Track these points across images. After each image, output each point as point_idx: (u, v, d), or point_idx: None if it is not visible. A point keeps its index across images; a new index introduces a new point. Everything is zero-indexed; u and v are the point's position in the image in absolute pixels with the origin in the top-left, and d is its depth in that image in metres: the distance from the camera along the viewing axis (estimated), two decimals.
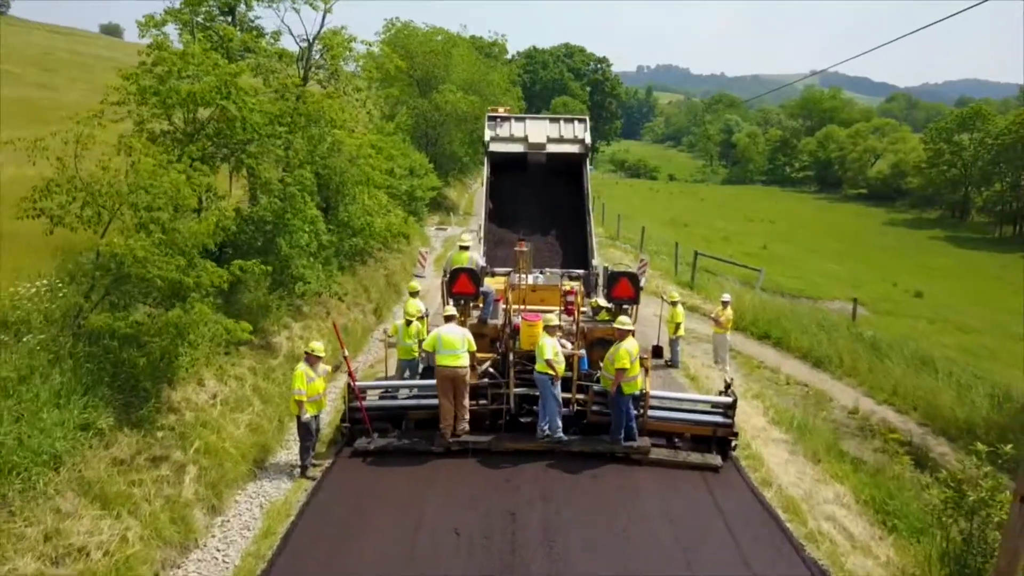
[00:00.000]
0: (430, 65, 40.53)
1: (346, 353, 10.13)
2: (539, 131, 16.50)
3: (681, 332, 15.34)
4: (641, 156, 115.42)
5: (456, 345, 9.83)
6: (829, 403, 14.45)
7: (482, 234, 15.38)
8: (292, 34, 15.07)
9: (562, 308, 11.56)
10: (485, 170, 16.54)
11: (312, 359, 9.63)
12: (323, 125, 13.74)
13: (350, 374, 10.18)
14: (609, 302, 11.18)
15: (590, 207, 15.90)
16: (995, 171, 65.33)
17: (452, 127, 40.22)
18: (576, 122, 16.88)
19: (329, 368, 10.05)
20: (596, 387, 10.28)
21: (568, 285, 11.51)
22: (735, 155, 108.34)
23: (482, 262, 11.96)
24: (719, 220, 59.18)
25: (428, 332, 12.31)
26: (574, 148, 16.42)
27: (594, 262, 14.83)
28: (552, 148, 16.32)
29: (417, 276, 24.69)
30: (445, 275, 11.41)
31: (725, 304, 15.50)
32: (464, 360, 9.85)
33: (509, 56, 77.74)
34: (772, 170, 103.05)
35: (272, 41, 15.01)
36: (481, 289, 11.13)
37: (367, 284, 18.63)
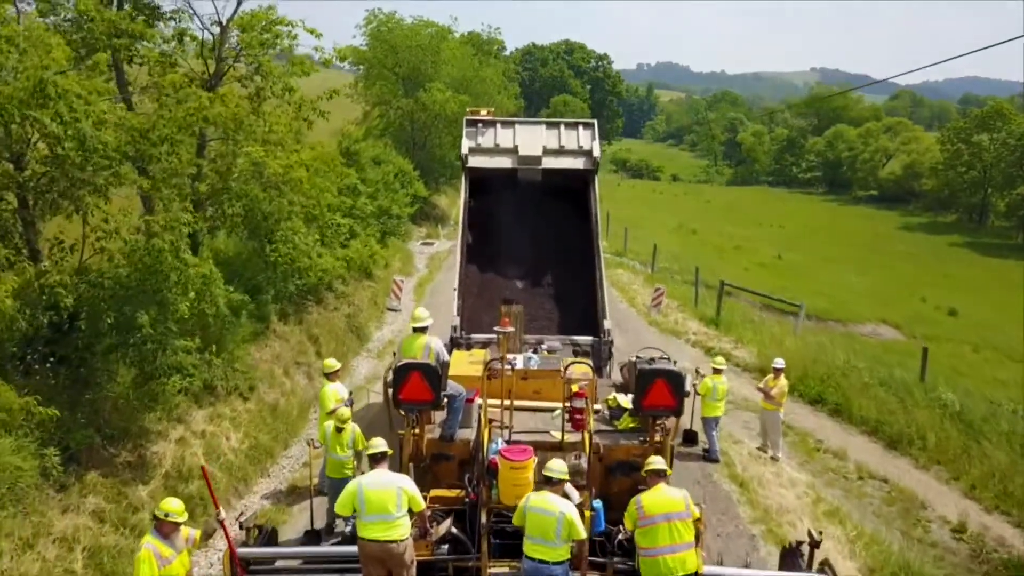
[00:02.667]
0: (416, 61, 36.97)
1: (222, 515, 6.41)
2: (533, 140, 12.71)
3: (721, 411, 11.60)
4: (643, 155, 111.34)
5: (388, 506, 6.03)
6: (922, 511, 10.76)
7: (456, 283, 11.67)
8: (196, 14, 11.28)
9: (566, 410, 7.82)
10: (463, 192, 12.85)
11: (167, 527, 5.96)
12: (241, 139, 10.09)
13: (228, 542, 6.47)
14: (639, 412, 7.45)
15: (600, 243, 12.19)
16: (1018, 173, 62.11)
17: (441, 129, 36.62)
18: (581, 128, 13.02)
19: (196, 534, 6.31)
20: (620, 563, 6.53)
21: (576, 383, 7.70)
22: (740, 155, 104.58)
23: (445, 356, 8.06)
24: (728, 225, 55.68)
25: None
26: (578, 162, 12.65)
27: (606, 324, 11.09)
28: (550, 162, 12.57)
29: (391, 309, 20.96)
30: (388, 374, 7.66)
31: (778, 372, 11.73)
32: (402, 530, 6.07)
33: (507, 52, 73.92)
34: (779, 170, 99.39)
35: (175, 22, 11.26)
36: (444, 392, 7.38)
37: (318, 332, 14.85)
